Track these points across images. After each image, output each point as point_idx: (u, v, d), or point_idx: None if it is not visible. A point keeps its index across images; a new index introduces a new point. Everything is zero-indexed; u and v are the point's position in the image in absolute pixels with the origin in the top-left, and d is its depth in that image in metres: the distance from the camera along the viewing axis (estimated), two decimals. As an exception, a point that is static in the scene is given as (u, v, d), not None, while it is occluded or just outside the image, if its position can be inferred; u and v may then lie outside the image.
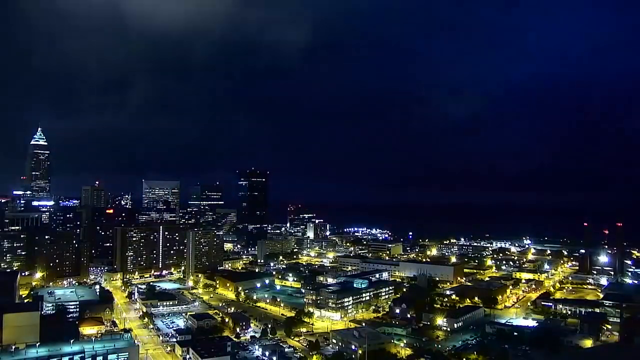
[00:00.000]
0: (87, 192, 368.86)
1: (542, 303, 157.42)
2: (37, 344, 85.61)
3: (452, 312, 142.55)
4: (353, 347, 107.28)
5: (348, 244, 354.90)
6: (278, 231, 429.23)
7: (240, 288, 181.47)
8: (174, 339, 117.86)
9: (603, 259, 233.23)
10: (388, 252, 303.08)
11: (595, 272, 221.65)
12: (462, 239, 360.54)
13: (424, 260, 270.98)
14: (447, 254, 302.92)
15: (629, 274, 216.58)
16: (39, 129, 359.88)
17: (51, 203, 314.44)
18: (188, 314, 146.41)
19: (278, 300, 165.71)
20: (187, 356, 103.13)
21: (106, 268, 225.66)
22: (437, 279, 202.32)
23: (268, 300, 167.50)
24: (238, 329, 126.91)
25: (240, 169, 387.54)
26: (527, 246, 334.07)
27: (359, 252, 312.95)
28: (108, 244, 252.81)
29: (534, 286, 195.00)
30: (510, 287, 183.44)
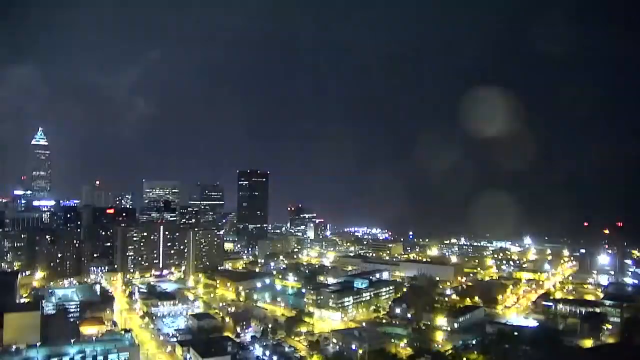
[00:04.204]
0: (87, 191, 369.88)
1: (542, 303, 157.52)
2: (38, 344, 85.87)
3: (452, 312, 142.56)
4: (353, 347, 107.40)
5: (348, 244, 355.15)
6: (278, 231, 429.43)
7: (240, 288, 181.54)
8: (175, 339, 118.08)
9: (603, 259, 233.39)
10: (388, 252, 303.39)
11: (595, 272, 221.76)
12: (462, 239, 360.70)
13: (424, 260, 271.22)
14: (447, 254, 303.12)
15: (629, 274, 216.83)
16: (40, 128, 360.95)
17: (51, 203, 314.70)
18: (188, 313, 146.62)
19: (278, 300, 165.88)
20: (188, 356, 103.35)
21: (107, 268, 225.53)
22: (437, 279, 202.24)
23: (268, 300, 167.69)
24: (238, 329, 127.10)
25: (241, 169, 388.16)
26: (527, 246, 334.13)
27: (359, 252, 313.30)
28: (108, 244, 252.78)
29: (534, 286, 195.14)
30: (511, 287, 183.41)
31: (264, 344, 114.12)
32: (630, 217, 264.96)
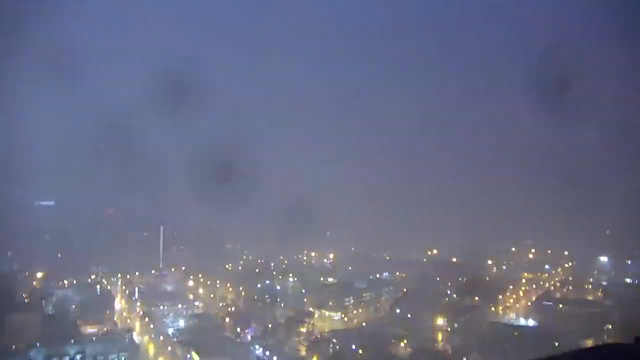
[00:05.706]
0: (88, 191, 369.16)
1: (542, 303, 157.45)
2: (38, 344, 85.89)
3: (452, 312, 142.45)
4: (353, 347, 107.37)
5: (348, 244, 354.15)
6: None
7: (240, 288, 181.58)
8: (174, 339, 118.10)
9: (603, 259, 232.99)
10: (388, 252, 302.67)
11: (595, 272, 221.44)
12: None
13: (424, 260, 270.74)
14: (447, 254, 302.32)
15: (629, 274, 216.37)
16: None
17: (51, 203, 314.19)
18: (188, 313, 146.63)
19: (278, 300, 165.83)
20: (187, 356, 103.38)
21: (106, 268, 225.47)
22: (438, 278, 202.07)
23: (269, 301, 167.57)
24: (238, 329, 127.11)
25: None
26: (527, 246, 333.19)
27: (360, 252, 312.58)
28: (108, 244, 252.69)
29: (534, 286, 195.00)
30: (511, 287, 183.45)
31: (264, 344, 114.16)
32: (630, 218, 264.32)
